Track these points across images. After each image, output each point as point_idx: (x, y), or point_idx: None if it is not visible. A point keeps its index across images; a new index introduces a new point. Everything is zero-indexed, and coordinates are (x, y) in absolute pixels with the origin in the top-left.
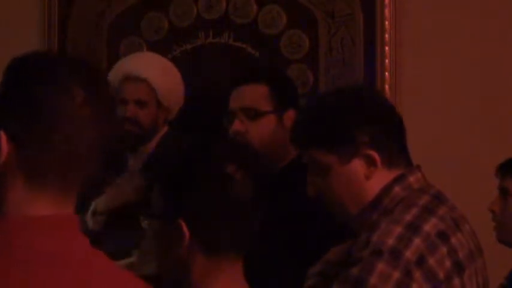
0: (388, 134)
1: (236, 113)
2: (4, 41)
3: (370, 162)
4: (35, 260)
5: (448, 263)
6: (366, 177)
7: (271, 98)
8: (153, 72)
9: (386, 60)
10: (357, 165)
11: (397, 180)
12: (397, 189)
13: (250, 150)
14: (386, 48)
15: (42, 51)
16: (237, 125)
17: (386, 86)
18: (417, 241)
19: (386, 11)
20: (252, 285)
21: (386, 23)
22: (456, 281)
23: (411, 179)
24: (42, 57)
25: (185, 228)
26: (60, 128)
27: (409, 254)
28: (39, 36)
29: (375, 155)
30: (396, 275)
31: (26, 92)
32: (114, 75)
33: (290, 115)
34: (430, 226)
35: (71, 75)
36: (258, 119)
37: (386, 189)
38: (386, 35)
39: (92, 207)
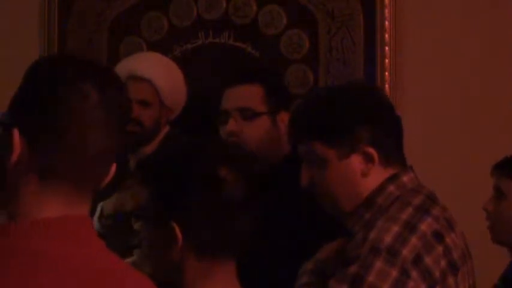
0: (387, 132)
1: (231, 113)
2: (4, 41)
3: (368, 159)
4: (37, 264)
5: (443, 263)
6: (363, 174)
7: (266, 99)
8: (157, 73)
9: (386, 60)
10: (355, 162)
11: (391, 179)
12: (391, 188)
13: (243, 150)
14: (386, 48)
15: (59, 54)
16: (232, 125)
17: (387, 86)
18: (414, 240)
19: (386, 11)
20: (247, 285)
21: (386, 23)
22: (451, 281)
23: (405, 178)
24: (58, 60)
25: (178, 231)
26: (74, 129)
27: (406, 252)
28: (39, 36)
29: (373, 152)
30: (394, 273)
31: (40, 91)
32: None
33: (283, 117)
34: (425, 225)
35: (85, 76)
36: (254, 120)
37: (381, 187)
38: (386, 35)
39: (98, 211)
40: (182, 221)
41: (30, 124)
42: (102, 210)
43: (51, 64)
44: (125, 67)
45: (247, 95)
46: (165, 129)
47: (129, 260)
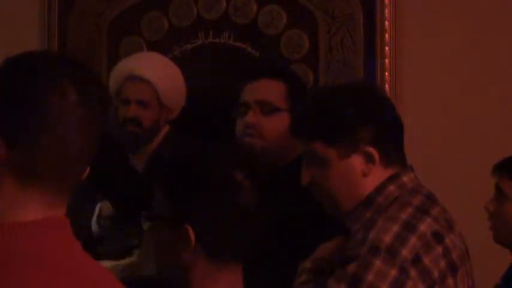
0: (387, 132)
1: (251, 105)
2: (4, 41)
3: (369, 159)
4: (14, 262)
5: (442, 263)
6: (363, 173)
7: (287, 96)
8: (156, 73)
9: (386, 60)
10: (356, 161)
11: (391, 179)
12: (391, 188)
13: (255, 158)
14: (386, 48)
15: (36, 51)
16: (250, 117)
17: (387, 86)
18: (413, 240)
19: (386, 11)
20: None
21: (386, 23)
22: (450, 281)
23: (405, 178)
24: (35, 57)
25: (191, 234)
26: (53, 128)
27: (405, 252)
28: (39, 36)
29: (374, 152)
30: (393, 272)
31: (18, 91)
32: (117, 74)
33: None
34: (425, 226)
35: (64, 75)
36: (272, 115)
37: (380, 187)
38: (386, 35)
39: (96, 211)
40: (196, 224)
41: (8, 124)
42: (100, 211)
43: (28, 62)
44: (124, 67)
45: (270, 89)
46: (165, 129)
47: (128, 260)
